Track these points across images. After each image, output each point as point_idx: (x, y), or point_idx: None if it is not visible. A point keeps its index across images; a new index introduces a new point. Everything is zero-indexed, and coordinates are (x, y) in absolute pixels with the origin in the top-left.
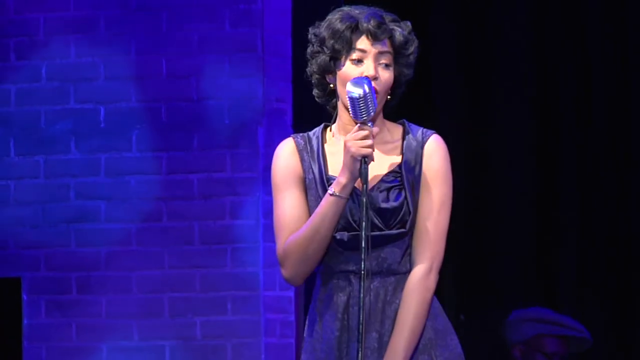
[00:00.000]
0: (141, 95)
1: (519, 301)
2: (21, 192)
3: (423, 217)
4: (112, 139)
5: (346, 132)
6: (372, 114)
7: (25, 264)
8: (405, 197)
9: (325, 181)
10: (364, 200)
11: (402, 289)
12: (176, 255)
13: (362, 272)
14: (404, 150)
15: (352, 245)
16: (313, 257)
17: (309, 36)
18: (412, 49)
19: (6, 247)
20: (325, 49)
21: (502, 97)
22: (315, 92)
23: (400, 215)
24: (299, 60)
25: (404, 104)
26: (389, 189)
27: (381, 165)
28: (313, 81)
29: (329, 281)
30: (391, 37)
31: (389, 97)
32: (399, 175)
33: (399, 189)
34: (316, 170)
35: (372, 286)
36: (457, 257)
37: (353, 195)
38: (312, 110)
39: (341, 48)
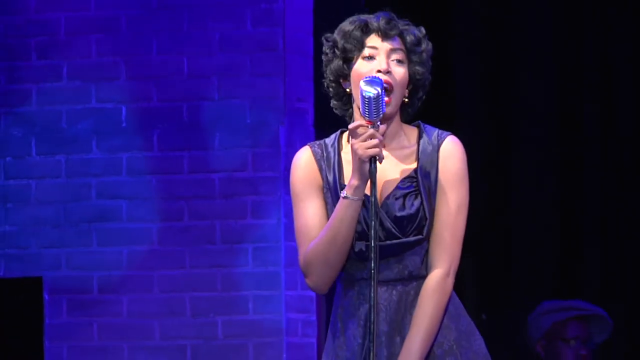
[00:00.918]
0: (162, 94)
1: (540, 301)
2: (42, 191)
3: (440, 221)
4: (134, 139)
5: None
6: (381, 115)
7: (47, 264)
8: (422, 204)
9: (339, 188)
10: (373, 200)
11: None
12: (198, 254)
13: (372, 270)
14: (419, 155)
15: (365, 253)
16: (334, 262)
17: (323, 47)
18: (424, 46)
19: (27, 246)
20: (337, 51)
21: (524, 96)
22: (332, 103)
23: (417, 221)
24: (321, 59)
25: (424, 108)
26: (405, 196)
27: (396, 171)
28: (330, 92)
29: (351, 289)
30: (402, 35)
31: (405, 99)
32: (414, 180)
33: (414, 195)
34: (331, 179)
35: (394, 292)
36: (479, 257)
37: (367, 204)
38: (333, 110)
39: (352, 47)
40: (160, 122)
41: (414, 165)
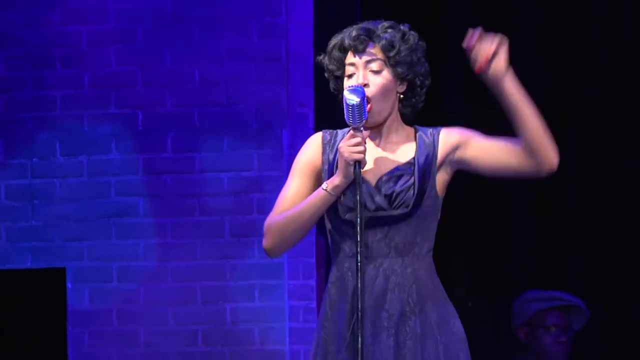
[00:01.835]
0: (176, 100)
1: (524, 290)
2: (66, 189)
3: (494, 144)
4: (149, 141)
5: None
6: (364, 120)
7: (70, 255)
8: (414, 183)
9: (334, 172)
10: (358, 199)
11: (410, 270)
12: (208, 247)
13: (358, 253)
14: (417, 145)
15: (354, 223)
16: (291, 237)
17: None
18: (399, 47)
19: (52, 239)
20: (328, 73)
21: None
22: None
23: (405, 196)
24: (320, 68)
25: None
26: (399, 176)
27: (396, 157)
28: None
29: (342, 265)
30: (378, 43)
31: (402, 98)
32: (412, 165)
33: (409, 176)
34: (331, 159)
35: (380, 269)
36: (467, 249)
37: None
38: (332, 114)
39: (336, 68)
40: (174, 126)
41: (413, 154)
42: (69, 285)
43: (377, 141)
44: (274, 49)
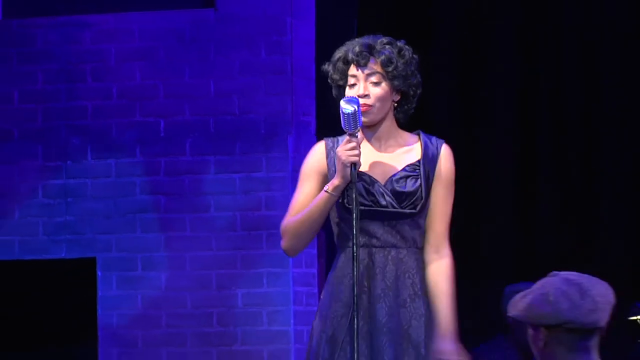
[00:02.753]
0: (194, 110)
1: (505, 277)
2: (96, 188)
3: (439, 214)
4: (170, 146)
5: (366, 139)
6: (359, 127)
7: (100, 247)
8: (420, 185)
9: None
10: (354, 196)
11: (414, 260)
12: (222, 239)
13: (354, 244)
14: (423, 149)
15: (365, 215)
16: (305, 237)
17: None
18: (397, 62)
19: (84, 232)
20: (332, 81)
21: (492, 105)
22: None
23: (414, 198)
24: (322, 82)
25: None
26: (407, 177)
27: (402, 159)
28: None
29: (344, 251)
30: (377, 58)
31: (396, 106)
32: (417, 167)
33: (415, 178)
34: (336, 164)
35: (389, 257)
36: (462, 249)
37: (365, 179)
38: (332, 122)
39: (339, 78)
40: (192, 132)
41: (419, 157)
42: (99, 273)
43: (377, 145)
44: (280, 64)
